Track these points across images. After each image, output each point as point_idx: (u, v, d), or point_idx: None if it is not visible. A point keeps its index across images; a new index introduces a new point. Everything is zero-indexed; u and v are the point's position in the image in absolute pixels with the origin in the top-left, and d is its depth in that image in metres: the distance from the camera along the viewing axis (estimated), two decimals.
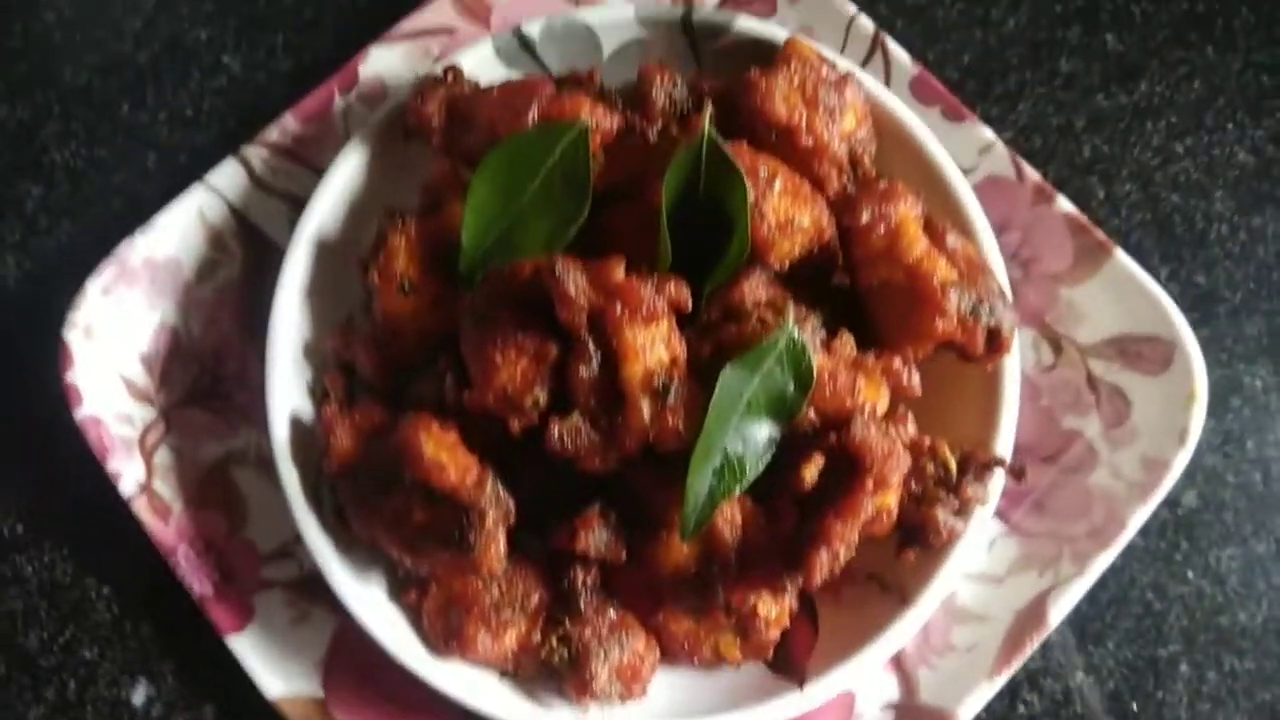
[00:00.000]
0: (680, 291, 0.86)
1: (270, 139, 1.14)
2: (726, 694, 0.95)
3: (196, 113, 1.25)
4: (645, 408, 0.85)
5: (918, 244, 0.91)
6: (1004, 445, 0.96)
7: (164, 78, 1.26)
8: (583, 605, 0.91)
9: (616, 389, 0.86)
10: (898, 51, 1.12)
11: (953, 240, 0.94)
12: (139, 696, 1.09)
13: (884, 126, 1.02)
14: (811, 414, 0.87)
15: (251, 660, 1.02)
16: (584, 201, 0.90)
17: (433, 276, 0.97)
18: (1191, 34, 1.19)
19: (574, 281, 0.84)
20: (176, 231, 1.12)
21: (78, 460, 1.10)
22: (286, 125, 1.15)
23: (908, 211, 0.92)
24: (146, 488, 1.07)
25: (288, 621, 1.05)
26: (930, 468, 0.91)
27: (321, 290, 1.05)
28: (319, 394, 1.02)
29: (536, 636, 0.92)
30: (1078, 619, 1.05)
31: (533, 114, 0.95)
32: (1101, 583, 1.03)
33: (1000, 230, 1.07)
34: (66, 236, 1.21)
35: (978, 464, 0.91)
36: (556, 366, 0.88)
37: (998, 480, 0.94)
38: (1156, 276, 1.05)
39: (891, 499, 0.84)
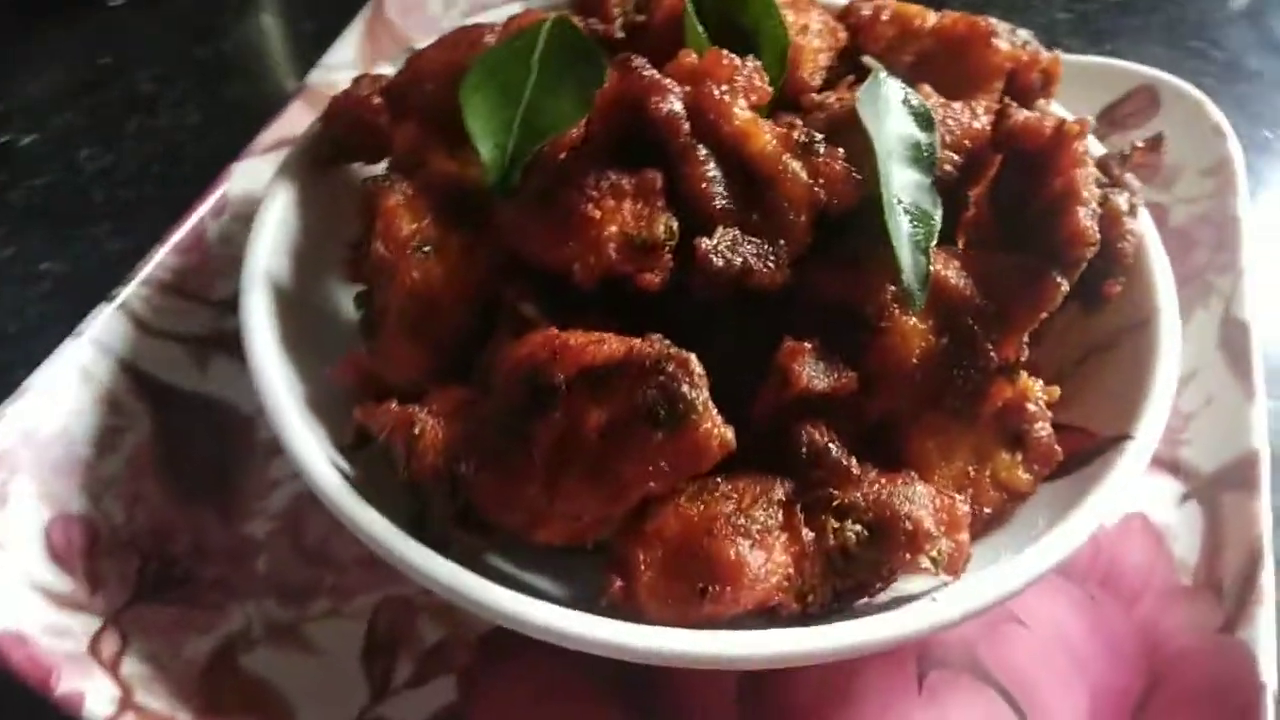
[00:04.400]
0: (761, 69, 0.74)
1: (147, 276, 0.91)
2: (1036, 525, 0.70)
3: (22, 324, 0.98)
4: (799, 171, 0.69)
5: (926, 13, 0.88)
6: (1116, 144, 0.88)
7: None
8: (842, 459, 0.66)
9: (751, 178, 0.69)
10: None
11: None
12: None
13: None
14: (949, 157, 0.76)
15: None
16: (599, 60, 0.77)
17: (451, 229, 0.76)
18: None
19: (653, 70, 0.70)
20: (58, 398, 0.82)
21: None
22: (163, 260, 0.93)
23: None
24: (129, 703, 0.67)
25: None
26: None
27: (299, 344, 0.79)
28: (353, 441, 0.73)
29: (807, 534, 0.64)
30: None
31: (490, 39, 0.84)
32: None
33: None
34: None
35: (1117, 156, 0.82)
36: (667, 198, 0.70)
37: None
38: None
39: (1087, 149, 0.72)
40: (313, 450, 0.70)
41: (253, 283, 0.79)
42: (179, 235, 0.94)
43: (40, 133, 1.13)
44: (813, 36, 0.84)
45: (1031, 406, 0.71)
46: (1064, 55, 1.04)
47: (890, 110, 0.74)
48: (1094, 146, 0.90)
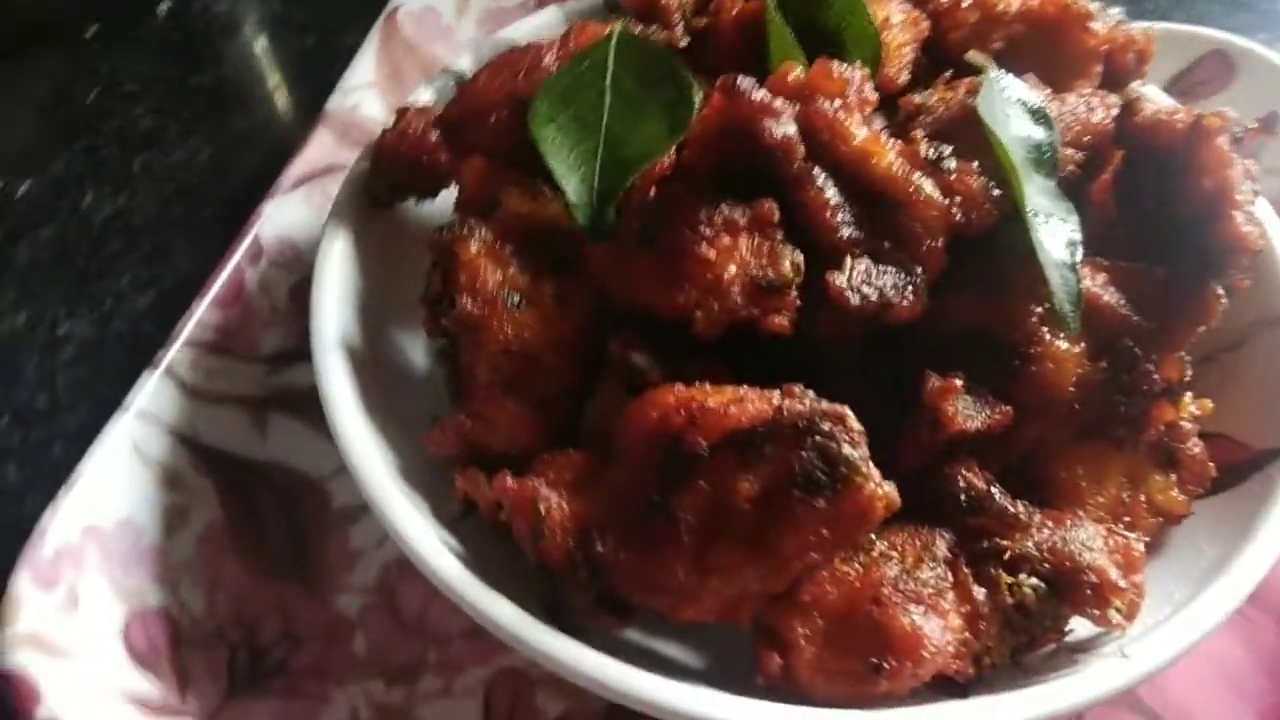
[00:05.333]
0: (868, 75, 0.68)
1: (188, 337, 0.84)
2: (1205, 553, 0.67)
3: (51, 397, 0.90)
4: (931, 190, 0.63)
5: None
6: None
7: None
8: (1008, 504, 0.61)
9: (879, 198, 0.64)
10: None
11: None
12: None
13: None
14: (1073, 156, 0.71)
15: None
16: (682, 77, 0.71)
17: (541, 276, 0.70)
18: None
19: (763, 90, 0.64)
20: (115, 482, 0.75)
21: None
22: (203, 318, 0.86)
23: None
24: None
25: None
26: None
27: (386, 410, 0.72)
28: (460, 514, 0.67)
29: (979, 591, 0.59)
30: None
31: (549, 61, 0.77)
32: None
33: None
34: None
35: (1231, 139, 0.77)
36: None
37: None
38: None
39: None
40: (426, 536, 0.64)
41: (325, 349, 0.72)
42: (216, 288, 0.87)
43: (35, 179, 1.04)
44: (896, 30, 0.78)
45: (1185, 423, 0.67)
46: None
47: (1010, 111, 0.68)
48: None
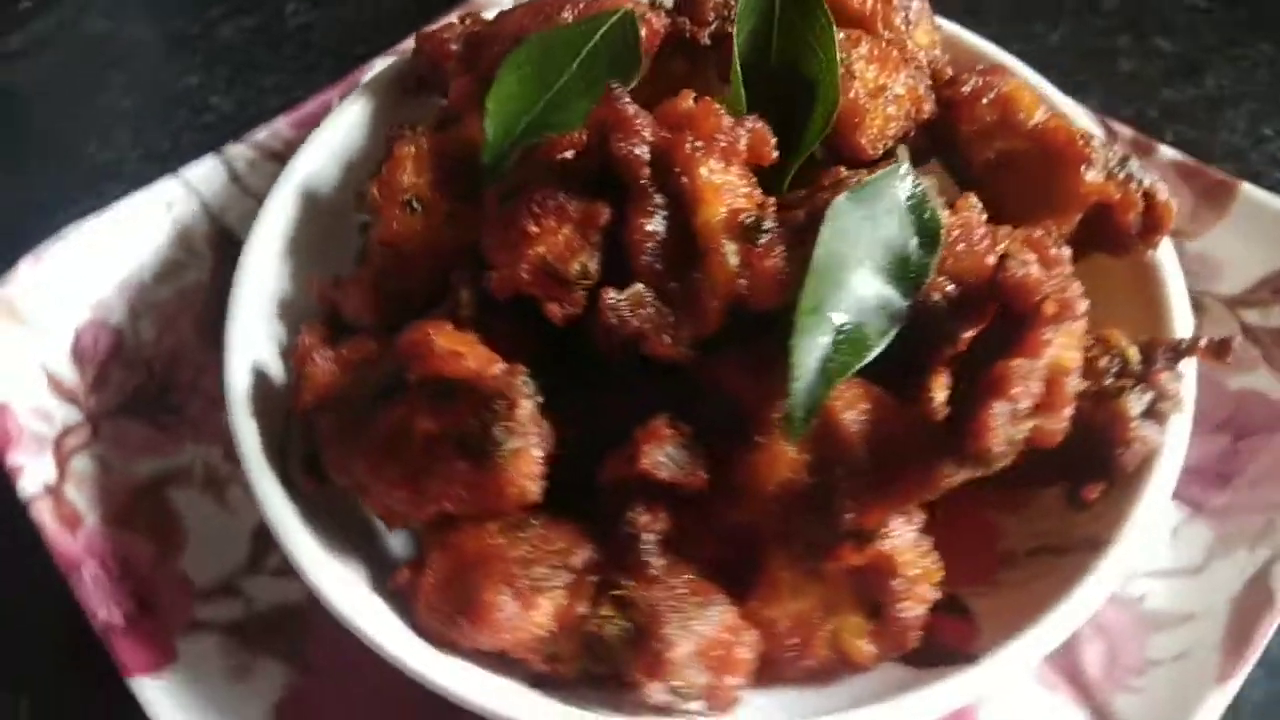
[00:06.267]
0: (762, 132, 0.69)
1: (258, 140, 1.01)
2: (851, 697, 0.66)
3: (174, 146, 1.12)
4: (731, 254, 0.65)
5: (1037, 108, 0.76)
6: (1185, 330, 0.75)
7: (143, 118, 1.15)
8: (649, 556, 0.64)
9: (690, 244, 0.66)
10: None
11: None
12: None
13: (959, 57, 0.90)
14: (944, 285, 0.67)
15: (166, 712, 0.71)
16: (634, 71, 0.75)
17: (446, 194, 0.79)
18: (1245, 33, 1.14)
19: (632, 106, 0.67)
20: (139, 223, 0.95)
21: None
22: (278, 129, 1.02)
23: (1017, 82, 0.78)
24: (54, 491, 0.81)
25: (222, 673, 0.75)
26: (1104, 361, 0.69)
27: (306, 248, 0.86)
28: (293, 349, 0.80)
29: (583, 608, 0.64)
30: None
31: (566, 15, 0.83)
32: None
33: None
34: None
35: (1166, 348, 0.69)
36: (608, 235, 0.68)
37: (1190, 383, 0.72)
38: None
39: (1070, 355, 0.61)
40: (245, 354, 0.77)
41: (285, 183, 0.86)
42: (302, 111, 1.03)
43: None
44: (887, 102, 0.76)
45: (897, 583, 0.65)
46: (1252, 190, 0.89)
47: (892, 212, 0.66)
48: (1181, 320, 0.76)
